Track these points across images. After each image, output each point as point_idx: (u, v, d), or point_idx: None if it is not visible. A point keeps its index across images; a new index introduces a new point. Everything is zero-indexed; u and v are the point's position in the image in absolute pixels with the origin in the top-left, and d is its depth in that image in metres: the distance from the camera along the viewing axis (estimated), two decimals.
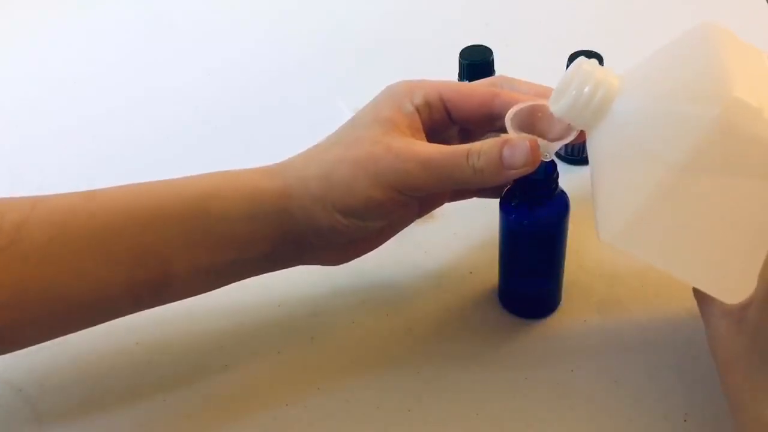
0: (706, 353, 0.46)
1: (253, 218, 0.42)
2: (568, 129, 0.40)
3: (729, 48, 0.35)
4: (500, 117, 0.42)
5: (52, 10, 0.91)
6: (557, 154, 0.61)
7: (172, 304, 0.44)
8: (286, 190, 0.43)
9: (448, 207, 0.50)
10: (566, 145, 0.60)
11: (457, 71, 0.58)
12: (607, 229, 0.38)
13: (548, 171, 0.43)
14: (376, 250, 0.47)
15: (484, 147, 0.40)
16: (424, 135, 0.44)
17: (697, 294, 0.41)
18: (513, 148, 0.39)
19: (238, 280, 0.45)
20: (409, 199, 0.42)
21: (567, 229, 0.46)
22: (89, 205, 0.42)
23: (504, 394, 0.46)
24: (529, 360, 0.47)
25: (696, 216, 0.35)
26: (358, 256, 0.47)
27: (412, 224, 0.47)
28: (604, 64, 0.56)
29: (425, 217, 0.49)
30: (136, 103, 0.74)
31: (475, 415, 0.45)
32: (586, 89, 0.37)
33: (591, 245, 0.53)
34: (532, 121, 0.41)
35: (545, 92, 0.44)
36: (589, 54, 0.56)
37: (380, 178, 0.41)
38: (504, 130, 0.41)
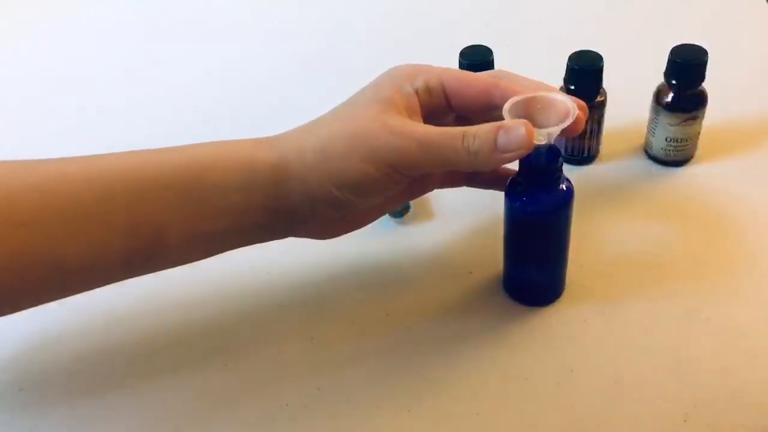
0: (705, 353, 0.46)
1: (248, 189, 0.43)
2: (565, 117, 0.40)
3: None
4: (498, 107, 0.42)
5: (52, 9, 0.91)
6: None
7: (171, 303, 0.44)
8: (282, 161, 0.43)
9: (448, 206, 0.49)
10: (566, 146, 0.60)
11: None
12: None
13: (553, 158, 0.43)
14: (376, 249, 0.47)
15: (479, 131, 0.41)
16: (421, 118, 0.44)
17: None
18: (508, 133, 0.40)
19: (230, 249, 0.45)
20: (403, 178, 0.43)
21: (571, 216, 0.46)
22: (85, 173, 0.42)
23: (504, 394, 0.45)
24: (529, 360, 0.47)
25: None
26: (347, 232, 0.48)
27: (412, 224, 0.47)
28: (604, 64, 0.56)
29: (425, 216, 0.49)
30: (136, 103, 0.74)
31: (475, 415, 0.45)
32: None
33: (592, 244, 0.53)
34: (530, 113, 0.42)
35: (543, 87, 0.44)
36: (589, 54, 0.56)
37: (376, 154, 0.41)
38: (500, 120, 0.41)
